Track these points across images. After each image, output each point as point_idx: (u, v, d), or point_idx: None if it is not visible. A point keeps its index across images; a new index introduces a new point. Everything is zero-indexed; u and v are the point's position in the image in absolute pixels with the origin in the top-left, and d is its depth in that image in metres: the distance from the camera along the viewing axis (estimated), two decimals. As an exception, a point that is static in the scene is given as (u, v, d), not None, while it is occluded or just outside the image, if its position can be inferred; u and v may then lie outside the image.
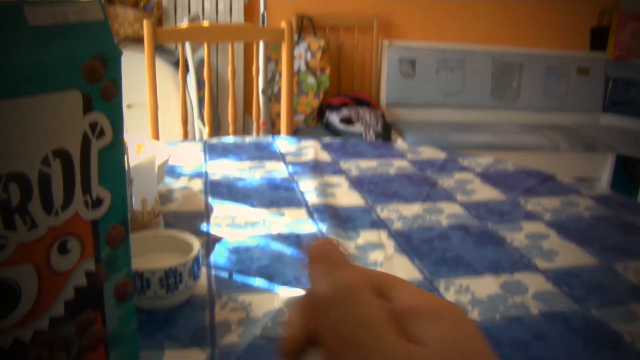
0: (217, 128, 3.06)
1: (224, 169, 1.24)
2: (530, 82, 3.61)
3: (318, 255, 0.27)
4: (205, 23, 1.82)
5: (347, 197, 1.11)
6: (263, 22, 3.12)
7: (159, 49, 2.68)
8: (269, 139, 1.50)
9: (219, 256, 0.84)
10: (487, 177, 1.28)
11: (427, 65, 3.49)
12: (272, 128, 3.11)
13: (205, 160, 1.29)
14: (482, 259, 0.88)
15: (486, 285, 0.80)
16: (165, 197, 1.06)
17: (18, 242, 0.33)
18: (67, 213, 0.36)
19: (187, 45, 2.43)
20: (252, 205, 1.04)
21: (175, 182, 1.14)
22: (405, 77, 3.49)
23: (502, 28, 3.62)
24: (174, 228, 0.87)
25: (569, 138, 3.23)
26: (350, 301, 0.24)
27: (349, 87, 3.50)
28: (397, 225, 0.99)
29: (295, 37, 3.19)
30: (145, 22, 1.68)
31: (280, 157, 1.35)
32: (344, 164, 1.32)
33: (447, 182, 1.23)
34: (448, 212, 1.06)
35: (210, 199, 1.06)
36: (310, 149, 1.42)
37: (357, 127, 3.03)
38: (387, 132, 3.07)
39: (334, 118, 3.11)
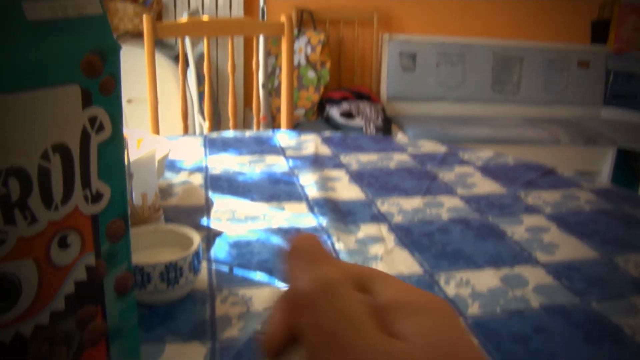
0: (217, 122, 3.06)
1: (224, 163, 1.24)
2: (530, 75, 3.60)
3: (298, 251, 0.27)
4: (205, 17, 1.82)
5: (347, 191, 1.11)
6: (263, 16, 3.11)
7: (159, 43, 2.68)
8: (269, 133, 1.50)
9: (220, 250, 0.84)
10: (488, 170, 1.28)
11: (428, 58, 3.48)
12: (273, 122, 3.11)
13: (205, 154, 1.29)
14: (482, 252, 0.88)
15: (486, 279, 0.80)
16: (166, 191, 1.06)
17: (18, 236, 0.33)
18: (67, 208, 0.36)
19: (187, 39, 2.43)
20: (253, 199, 1.04)
21: (175, 176, 1.14)
22: (406, 71, 3.48)
23: (503, 21, 3.61)
24: (175, 222, 0.87)
25: (570, 131, 3.23)
26: (331, 296, 0.24)
27: (349, 81, 3.49)
28: (398, 219, 0.99)
29: (295, 31, 3.19)
30: (144, 17, 1.68)
31: (280, 151, 1.35)
32: (344, 158, 1.32)
33: (447, 175, 1.23)
34: (448, 206, 1.06)
35: (210, 194, 1.06)
36: (311, 143, 1.42)
37: (358, 121, 3.03)
38: (387, 126, 3.06)
39: (334, 112, 3.11)
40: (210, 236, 0.89)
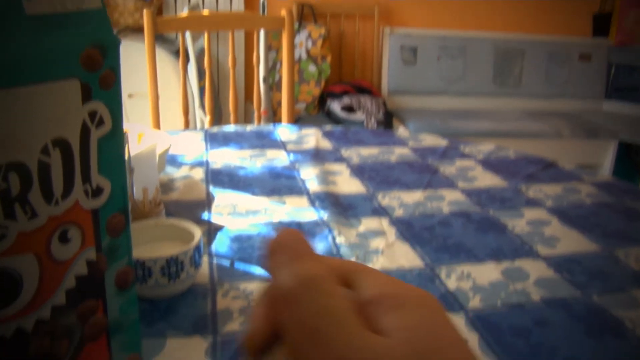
0: (218, 117, 3.06)
1: (225, 157, 1.24)
2: (532, 68, 3.60)
3: (280, 246, 0.26)
4: (206, 12, 1.81)
5: (348, 184, 1.11)
6: (263, 11, 3.10)
7: (160, 38, 2.68)
8: (270, 127, 1.50)
9: (221, 245, 0.84)
10: (489, 164, 1.28)
11: (429, 52, 3.48)
12: (274, 116, 3.11)
13: (206, 149, 1.29)
14: (483, 245, 0.88)
15: (487, 272, 0.80)
16: (167, 186, 1.06)
17: (18, 231, 0.33)
18: (67, 202, 0.36)
19: (188, 34, 2.43)
20: (254, 193, 1.04)
21: (176, 171, 1.14)
22: (407, 65, 3.48)
23: (504, 14, 3.60)
24: (176, 217, 0.87)
25: (571, 125, 3.22)
26: (313, 292, 0.23)
27: (350, 75, 3.49)
28: (399, 212, 0.99)
29: (296, 25, 3.18)
30: (145, 12, 1.67)
31: (281, 145, 1.35)
32: (345, 152, 1.31)
33: (448, 169, 1.23)
34: (449, 199, 1.06)
35: (211, 188, 1.06)
36: (311, 137, 1.42)
37: (359, 115, 3.02)
38: (388, 120, 3.06)
39: (335, 106, 3.11)
40: (211, 230, 0.89)
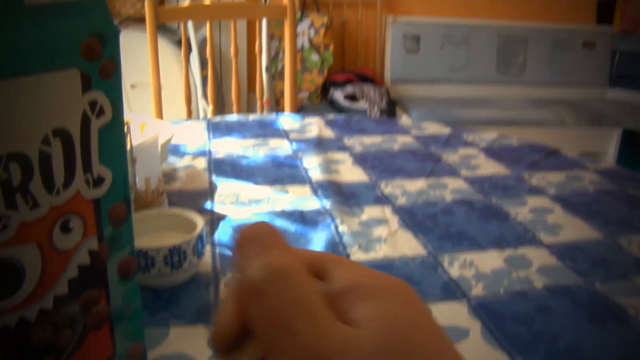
0: (220, 106, 3.05)
1: (227, 147, 1.24)
2: (535, 56, 3.58)
3: (249, 238, 0.25)
4: (207, 1, 1.81)
5: (351, 173, 1.11)
6: (265, -1, 3.09)
7: (161, 28, 2.67)
8: (273, 116, 1.50)
9: (223, 234, 0.85)
10: (492, 152, 1.27)
11: (432, 40, 3.46)
12: (276, 106, 3.11)
13: (209, 138, 1.29)
14: (486, 233, 0.88)
15: (490, 260, 0.80)
16: (169, 175, 1.06)
17: (20, 221, 0.34)
18: (69, 192, 0.36)
19: (190, 23, 2.42)
20: (256, 182, 1.04)
21: (179, 160, 1.14)
22: (410, 53, 3.46)
23: (507, 2, 3.58)
24: (178, 206, 0.88)
25: (575, 113, 3.21)
26: (281, 283, 0.23)
27: (353, 63, 3.48)
28: (401, 200, 0.99)
29: (298, 14, 3.17)
30: (146, 2, 1.67)
31: (284, 134, 1.35)
32: (348, 141, 1.31)
33: (451, 157, 1.22)
34: (452, 187, 1.06)
35: (214, 177, 1.06)
36: (314, 125, 1.41)
37: (362, 104, 3.02)
38: (391, 109, 3.05)
39: (338, 95, 3.10)
40: (214, 220, 0.89)
